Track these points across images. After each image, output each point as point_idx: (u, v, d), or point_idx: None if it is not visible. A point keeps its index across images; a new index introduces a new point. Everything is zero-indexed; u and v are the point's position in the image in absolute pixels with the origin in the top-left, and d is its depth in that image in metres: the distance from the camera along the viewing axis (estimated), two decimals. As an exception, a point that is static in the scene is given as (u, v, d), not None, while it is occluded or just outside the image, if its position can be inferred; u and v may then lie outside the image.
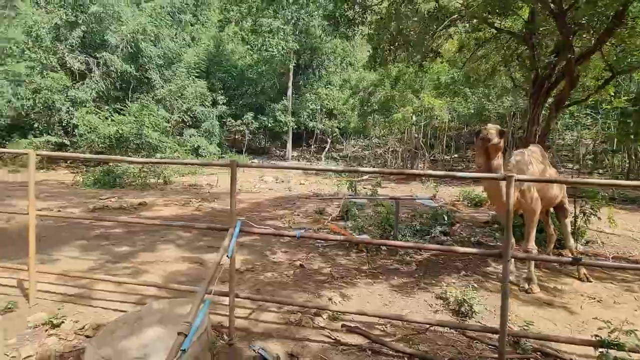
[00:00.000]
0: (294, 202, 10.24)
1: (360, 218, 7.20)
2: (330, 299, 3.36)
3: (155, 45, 18.55)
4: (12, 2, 16.54)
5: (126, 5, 18.10)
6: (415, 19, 6.11)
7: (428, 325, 2.67)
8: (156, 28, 18.54)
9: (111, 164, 13.67)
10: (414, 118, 16.49)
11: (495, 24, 7.01)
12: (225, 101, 23.02)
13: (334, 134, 26.53)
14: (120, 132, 14.97)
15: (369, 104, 18.87)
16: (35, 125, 15.81)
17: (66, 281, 3.69)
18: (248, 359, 2.44)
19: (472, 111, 16.47)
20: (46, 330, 2.66)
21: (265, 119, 23.51)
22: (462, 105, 15.96)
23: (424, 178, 15.65)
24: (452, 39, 7.47)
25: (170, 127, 18.18)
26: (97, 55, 16.92)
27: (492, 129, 3.27)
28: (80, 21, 16.46)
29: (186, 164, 3.01)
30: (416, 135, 19.99)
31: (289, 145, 24.83)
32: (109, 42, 16.93)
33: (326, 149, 26.56)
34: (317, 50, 25.24)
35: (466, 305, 3.05)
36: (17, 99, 14.41)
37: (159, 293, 3.59)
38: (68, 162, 16.32)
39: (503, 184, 3.48)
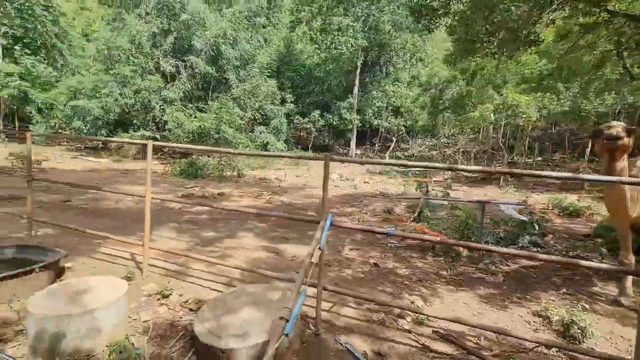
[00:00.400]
0: (361, 200, 10.16)
1: (434, 220, 6.85)
2: (412, 302, 3.23)
3: (233, 48, 19.97)
4: (121, 16, 19.25)
5: (210, 12, 19.78)
6: (519, 3, 5.51)
7: (534, 345, 2.40)
8: (235, 31, 19.94)
9: (194, 156, 15.14)
10: (493, 116, 15.12)
11: (609, 7, 6.03)
12: (293, 99, 23.83)
13: (400, 133, 25.73)
14: (202, 127, 16.48)
15: (441, 101, 17.83)
16: (134, 121, 18.21)
17: (167, 258, 4.16)
18: (335, 351, 2.45)
19: (566, 109, 14.48)
20: (158, 300, 3.01)
21: (330, 116, 23.77)
22: (554, 102, 14.13)
23: (501, 183, 14.29)
24: (553, 25, 6.57)
25: (243, 124, 19.43)
26: (185, 59, 18.81)
27: (617, 126, 2.81)
28: (172, 29, 18.46)
29: (282, 156, 3.21)
30: (494, 135, 18.34)
31: (353, 143, 24.77)
32: (194, 46, 18.69)
33: (391, 147, 25.90)
34: (385, 47, 24.68)
35: (576, 327, 2.67)
36: (122, 98, 16.78)
37: (243, 277, 3.84)
38: (159, 154, 18.48)
39: (628, 189, 2.98)
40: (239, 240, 5.57)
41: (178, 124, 16.69)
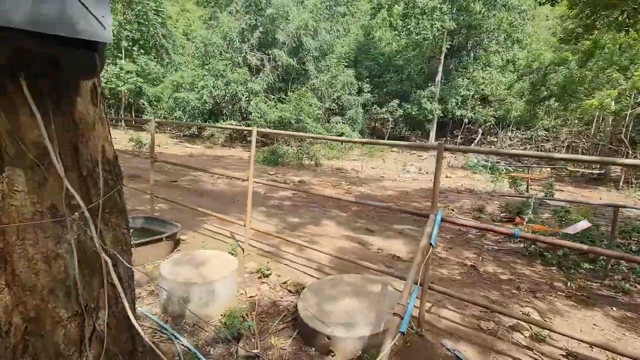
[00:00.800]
0: (445, 195, 9.48)
1: (537, 223, 5.99)
2: (527, 314, 2.83)
3: (313, 39, 20.27)
4: (215, 14, 21.06)
5: (293, 4, 20.33)
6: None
7: None
8: (315, 22, 20.18)
9: (275, 145, 15.95)
10: (614, 105, 12.59)
11: None
12: (369, 89, 23.33)
13: (487, 124, 23.32)
14: (283, 117, 17.22)
15: (544, 88, 15.49)
16: (224, 111, 19.91)
17: (261, 239, 4.40)
18: (443, 357, 2.26)
19: None
20: (259, 278, 3.17)
21: (409, 106, 22.66)
22: None
23: (622, 183, 11.92)
24: None
25: (320, 114, 19.74)
26: (269, 52, 19.76)
27: None
28: (258, 24, 19.50)
29: (393, 145, 3.14)
30: (610, 126, 15.31)
31: (432, 134, 23.30)
32: (278, 39, 19.48)
33: (475, 140, 23.68)
34: (475, 28, 22.40)
35: None
36: (215, 90, 18.47)
37: (334, 265, 3.84)
38: (243, 141, 19.97)
39: None
40: (322, 227, 5.64)
41: (261, 114, 17.72)
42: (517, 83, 19.05)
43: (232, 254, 3.60)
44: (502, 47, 22.76)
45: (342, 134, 20.96)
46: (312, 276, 3.44)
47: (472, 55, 23.86)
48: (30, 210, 1.07)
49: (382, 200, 8.41)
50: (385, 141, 3.32)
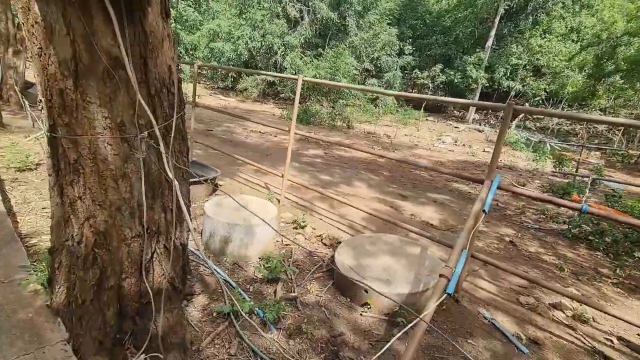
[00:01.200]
0: (481, 168, 9.06)
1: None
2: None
3: (357, -10, 18.87)
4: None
5: (339, -50, 18.76)
6: None
7: None
8: (361, -26, 18.66)
9: (308, 103, 15.63)
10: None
11: None
12: (411, 51, 21.88)
13: (537, 98, 21.51)
14: (317, 76, 16.65)
15: (613, 61, 13.82)
16: (259, 65, 19.51)
17: (295, 192, 4.41)
18: (480, 324, 2.23)
19: None
20: (294, 228, 3.21)
21: (452, 72, 21.18)
22: None
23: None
24: None
25: (357, 74, 18.92)
26: (309, 3, 18.70)
27: None
28: (300, -30, 18.29)
29: (463, 103, 2.90)
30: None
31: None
32: (319, -11, 18.31)
33: (520, 116, 22.07)
34: (539, -12, 19.92)
35: None
36: (251, 42, 17.99)
37: (366, 223, 3.81)
38: (275, 98, 19.73)
39: None
40: (353, 188, 5.58)
41: (296, 70, 17.22)
42: (579, 54, 17.11)
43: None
44: (569, 12, 20.24)
45: (376, 98, 20.17)
46: (346, 232, 3.44)
47: (531, 19, 21.45)
48: (100, 124, 1.05)
49: (415, 167, 8.17)
50: (444, 98, 3.08)
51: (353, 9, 19.28)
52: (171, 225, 1.36)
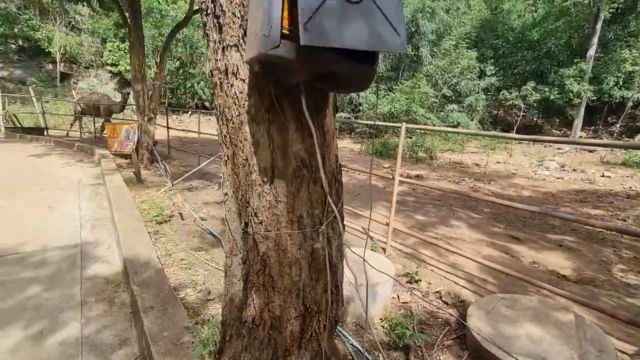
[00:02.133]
0: (607, 199, 7.62)
1: None
2: None
3: (430, 21, 18.83)
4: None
5: (408, -13, 19.22)
6: None
7: None
8: (433, 2, 18.67)
9: (386, 137, 15.60)
10: None
11: None
12: (493, 71, 20.51)
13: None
14: (393, 109, 16.65)
15: None
16: (337, 104, 20.47)
17: (396, 237, 4.26)
18: None
19: None
20: (408, 282, 3.04)
21: (547, 89, 19.04)
22: None
23: None
24: None
25: (435, 102, 18.37)
26: (381, 40, 19.30)
27: None
28: (372, 12, 19.16)
29: (605, 146, 2.40)
30: None
31: (578, 123, 19.11)
32: (391, 26, 18.81)
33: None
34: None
35: None
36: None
37: (483, 275, 3.42)
38: (352, 133, 20.22)
39: None
40: (453, 229, 5.16)
41: (371, 105, 17.53)
42: None
43: (373, 250, 3.56)
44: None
45: (458, 124, 19.14)
46: (466, 288, 3.13)
47: (643, 18, 18.43)
48: (285, 219, 1.14)
49: (523, 201, 7.27)
50: (590, 141, 2.71)
51: (426, 38, 19.20)
52: (330, 304, 1.38)
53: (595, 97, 18.77)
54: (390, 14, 0.78)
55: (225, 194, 1.30)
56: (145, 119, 7.66)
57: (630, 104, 18.66)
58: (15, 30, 18.95)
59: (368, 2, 0.77)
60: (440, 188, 3.69)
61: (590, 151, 17.64)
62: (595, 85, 18.37)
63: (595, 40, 18.19)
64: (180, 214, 4.69)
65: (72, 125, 11.76)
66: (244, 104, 1.00)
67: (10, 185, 5.71)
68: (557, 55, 20.05)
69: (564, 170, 11.86)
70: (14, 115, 12.10)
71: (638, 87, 17.87)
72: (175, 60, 20.73)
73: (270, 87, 0.95)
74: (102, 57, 21.87)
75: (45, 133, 11.56)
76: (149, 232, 3.86)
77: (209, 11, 1.03)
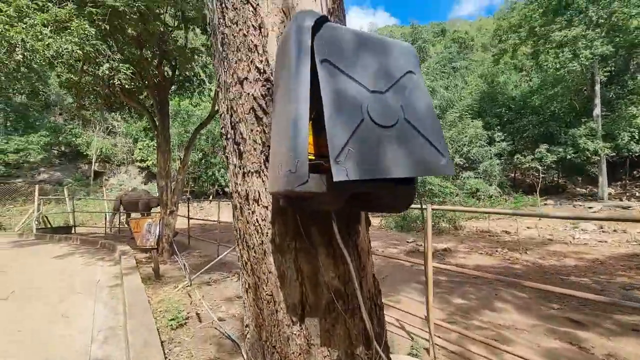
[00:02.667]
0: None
1: None
2: None
3: (432, 99, 20.16)
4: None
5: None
6: None
7: None
8: (431, 82, 20.22)
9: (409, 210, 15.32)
10: None
11: None
12: (502, 137, 20.93)
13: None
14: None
15: None
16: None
17: (424, 326, 3.72)
18: None
19: None
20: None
21: (561, 149, 19.00)
22: None
23: None
24: None
25: (449, 171, 18.45)
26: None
27: None
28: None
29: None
30: None
31: (603, 179, 18.47)
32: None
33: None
34: (637, 48, 18.20)
35: None
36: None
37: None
38: (369, 207, 20.11)
39: None
40: (501, 314, 4.54)
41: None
42: None
43: (415, 356, 3.07)
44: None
45: (477, 190, 18.84)
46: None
47: (638, 77, 19.14)
48: (319, 365, 0.92)
49: (568, 273, 6.55)
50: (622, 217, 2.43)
51: (431, 113, 20.28)
52: None
53: (614, 153, 18.47)
54: (428, 133, 0.70)
55: (247, 326, 1.11)
56: (168, 211, 7.84)
57: (652, 156, 18.19)
58: (60, 138, 21.34)
59: (402, 124, 0.69)
60: (484, 273, 3.32)
61: (625, 207, 16.59)
62: (609, 141, 18.26)
63: (597, 100, 18.71)
64: (198, 314, 4.37)
65: (112, 222, 12.17)
66: (267, 232, 0.89)
67: (28, 295, 5.63)
68: (563, 117, 20.52)
69: (603, 231, 11.00)
70: (45, 217, 12.76)
71: (656, 140, 17.63)
72: (198, 152, 22.35)
73: (295, 213, 0.85)
74: (132, 154, 23.90)
75: (73, 231, 11.95)
76: (162, 341, 3.53)
77: (228, 136, 1.00)
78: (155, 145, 9.20)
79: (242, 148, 0.90)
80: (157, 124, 7.74)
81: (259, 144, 0.88)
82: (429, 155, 0.68)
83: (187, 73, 8.65)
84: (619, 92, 19.55)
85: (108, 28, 5.22)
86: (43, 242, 10.55)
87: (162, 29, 6.68)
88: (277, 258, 0.88)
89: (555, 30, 18.34)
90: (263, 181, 0.88)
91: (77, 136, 21.86)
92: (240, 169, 0.94)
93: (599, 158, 18.25)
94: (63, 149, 22.43)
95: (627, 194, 19.10)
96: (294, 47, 0.70)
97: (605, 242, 9.38)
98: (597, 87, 18.70)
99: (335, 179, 0.61)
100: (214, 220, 9.13)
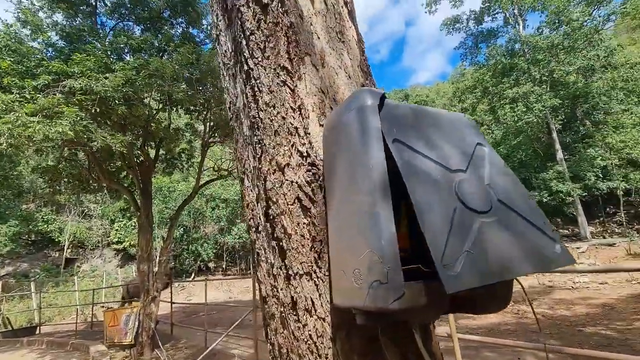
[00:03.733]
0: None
1: None
2: None
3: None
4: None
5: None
6: None
7: None
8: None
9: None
10: None
11: None
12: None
13: (658, 190, 18.31)
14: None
15: None
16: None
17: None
18: None
19: None
20: None
21: (537, 193, 19.77)
22: None
23: None
24: None
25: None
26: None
27: None
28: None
29: None
30: None
31: (582, 219, 19.03)
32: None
33: (649, 213, 18.36)
34: (581, 97, 20.46)
35: None
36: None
37: None
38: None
39: None
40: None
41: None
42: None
43: None
44: (631, 104, 19.81)
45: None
46: None
47: (587, 123, 21.18)
48: None
49: (581, 323, 6.21)
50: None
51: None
52: None
53: (585, 193, 19.37)
54: (529, 215, 0.58)
55: None
56: (149, 298, 7.12)
57: (620, 192, 19.19)
58: (30, 227, 20.11)
59: (498, 207, 0.57)
60: (506, 340, 3.03)
61: (611, 244, 16.85)
62: (578, 182, 19.27)
63: (557, 146, 20.20)
64: None
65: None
66: (326, 354, 0.69)
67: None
68: (531, 163, 21.78)
69: (603, 274, 10.88)
70: (7, 317, 11.29)
71: (620, 177, 18.79)
72: (179, 227, 21.53)
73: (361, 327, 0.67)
74: (109, 236, 22.66)
75: (38, 331, 10.54)
76: None
77: (260, 229, 0.85)
78: (137, 225, 8.75)
79: (285, 245, 0.75)
80: (140, 204, 7.44)
81: (308, 239, 0.73)
82: (541, 243, 0.56)
83: (172, 151, 8.67)
84: (574, 137, 21.31)
85: (98, 110, 5.27)
86: (2, 349, 9.13)
87: (147, 112, 6.82)
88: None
89: (506, 89, 20.49)
90: (316, 285, 0.72)
91: (49, 222, 20.72)
92: (282, 270, 0.77)
93: (573, 199, 19.02)
94: (33, 237, 21.03)
95: (608, 230, 19.61)
96: (358, 128, 0.60)
97: (607, 283, 9.22)
98: (554, 135, 20.35)
99: (448, 290, 0.46)
100: (198, 303, 8.34)
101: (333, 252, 0.66)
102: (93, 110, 5.22)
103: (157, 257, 8.85)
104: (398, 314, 0.54)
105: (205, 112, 8.17)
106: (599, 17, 19.50)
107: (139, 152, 7.67)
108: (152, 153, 8.09)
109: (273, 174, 0.77)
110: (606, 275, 10.42)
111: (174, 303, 8.99)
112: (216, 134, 8.83)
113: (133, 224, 21.83)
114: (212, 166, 10.10)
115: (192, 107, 7.84)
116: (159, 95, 7.06)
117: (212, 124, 8.41)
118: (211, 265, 23.13)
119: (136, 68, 5.81)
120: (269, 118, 0.79)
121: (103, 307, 12.80)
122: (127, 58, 7.05)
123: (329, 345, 0.69)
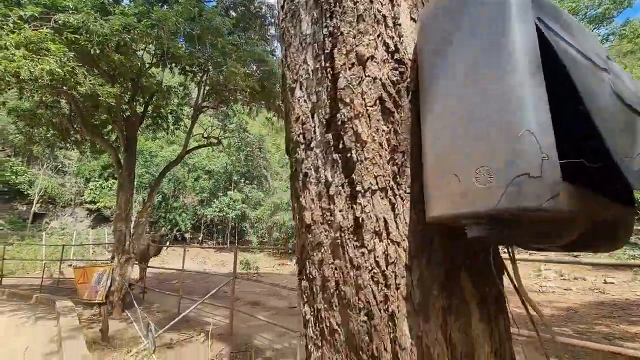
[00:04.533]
0: (635, 310, 6.99)
1: None
2: None
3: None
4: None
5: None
6: None
7: None
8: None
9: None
10: None
11: None
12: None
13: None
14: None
15: None
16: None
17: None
18: None
19: None
20: None
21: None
22: None
23: None
24: None
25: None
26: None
27: None
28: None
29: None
30: None
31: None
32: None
33: None
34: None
35: None
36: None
37: None
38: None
39: None
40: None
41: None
42: None
43: None
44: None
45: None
46: None
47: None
48: None
49: (547, 324, 6.47)
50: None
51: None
52: None
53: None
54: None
55: None
56: (124, 258, 6.89)
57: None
58: (-3, 176, 19.05)
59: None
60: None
61: (576, 256, 17.72)
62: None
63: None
64: (158, 390, 3.55)
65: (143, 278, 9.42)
66: (397, 284, 0.58)
67: None
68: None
69: (564, 279, 11.43)
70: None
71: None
72: (159, 194, 20.97)
73: (442, 247, 0.57)
74: (82, 195, 21.81)
75: (-2, 282, 10.08)
76: None
77: (312, 145, 0.72)
78: (116, 185, 8.36)
79: (355, 156, 0.62)
80: (122, 162, 7.08)
81: (386, 150, 0.61)
82: None
83: (162, 110, 8.26)
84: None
85: (91, 53, 4.85)
86: (-44, 298, 8.67)
87: (139, 64, 6.40)
88: (417, 324, 0.56)
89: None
90: (392, 204, 0.60)
91: (18, 174, 19.67)
92: (344, 187, 0.64)
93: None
94: (0, 187, 19.95)
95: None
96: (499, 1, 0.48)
97: (571, 290, 9.67)
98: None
99: (635, 186, 0.35)
100: (173, 269, 8.16)
101: (431, 159, 0.54)
102: (85, 51, 4.82)
103: (135, 218, 8.55)
104: (538, 222, 0.43)
105: (201, 74, 7.78)
106: (599, 36, 19.84)
107: (127, 106, 7.25)
108: (140, 110, 7.66)
109: (350, 69, 0.63)
110: (570, 282, 10.94)
111: (149, 267, 8.76)
112: (210, 99, 8.46)
113: (109, 185, 21.06)
114: (201, 132, 9.75)
115: (187, 67, 7.43)
116: (156, 48, 6.63)
117: (208, 87, 8.04)
118: (187, 236, 22.78)
119: (137, 15, 5.39)
120: (352, 0, 0.64)
121: (71, 265, 12.36)
122: (125, 1, 6.57)
123: (402, 274, 0.58)
